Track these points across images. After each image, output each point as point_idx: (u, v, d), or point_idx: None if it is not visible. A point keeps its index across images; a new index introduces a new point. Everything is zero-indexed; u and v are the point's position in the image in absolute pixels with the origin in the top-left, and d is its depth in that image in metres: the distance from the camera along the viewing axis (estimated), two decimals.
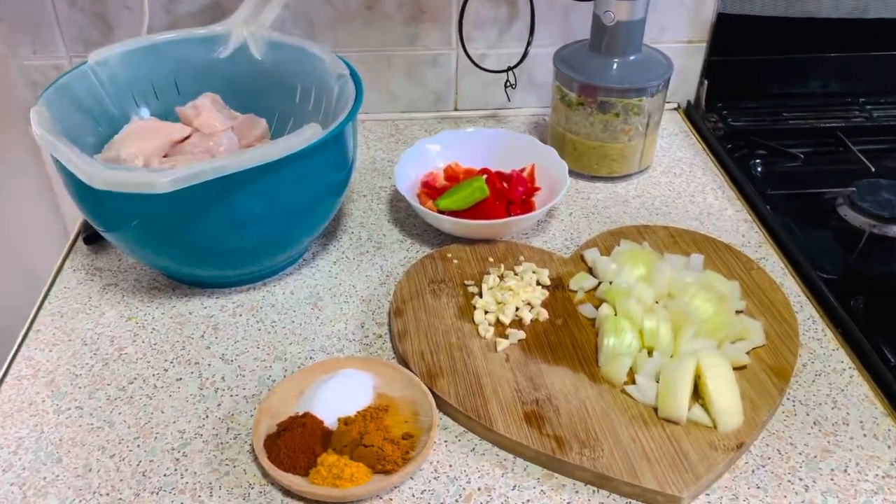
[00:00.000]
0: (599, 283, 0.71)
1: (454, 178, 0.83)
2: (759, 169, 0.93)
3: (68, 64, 0.95)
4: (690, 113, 1.04)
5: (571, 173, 0.81)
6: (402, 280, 0.72)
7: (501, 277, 0.72)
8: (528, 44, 0.94)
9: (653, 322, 0.63)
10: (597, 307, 0.68)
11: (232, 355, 0.66)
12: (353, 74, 0.73)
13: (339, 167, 0.70)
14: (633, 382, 0.61)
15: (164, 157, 0.74)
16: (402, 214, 0.84)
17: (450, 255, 0.75)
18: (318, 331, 0.69)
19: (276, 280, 0.75)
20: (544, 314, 0.68)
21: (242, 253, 0.68)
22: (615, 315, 0.65)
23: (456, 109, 1.04)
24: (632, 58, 0.85)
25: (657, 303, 0.67)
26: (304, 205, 0.68)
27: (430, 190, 0.82)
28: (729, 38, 1.00)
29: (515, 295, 0.69)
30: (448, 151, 0.86)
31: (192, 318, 0.70)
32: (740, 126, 1.01)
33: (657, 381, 0.60)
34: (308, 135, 0.62)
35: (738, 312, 0.67)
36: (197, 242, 0.65)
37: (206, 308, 0.71)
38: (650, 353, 0.62)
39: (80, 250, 0.78)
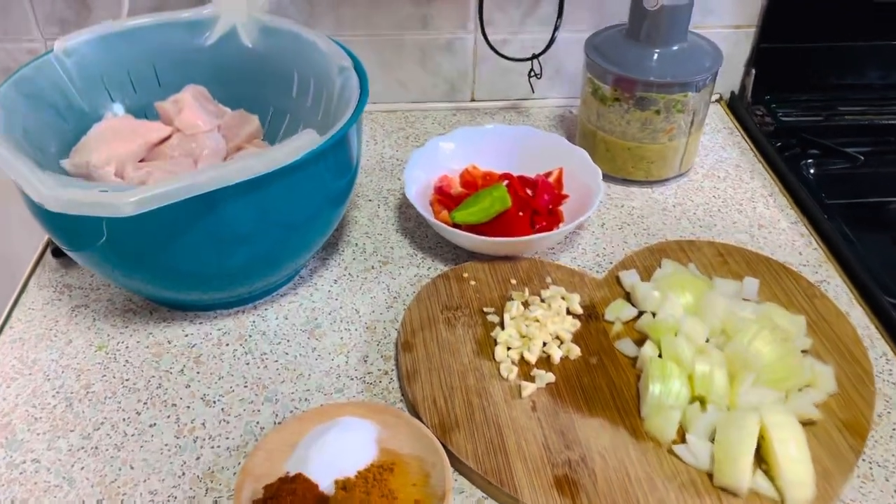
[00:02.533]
0: (640, 312, 0.61)
1: (471, 183, 0.73)
2: (812, 171, 0.83)
3: (44, 48, 0.86)
4: (735, 105, 0.93)
5: (603, 176, 0.71)
6: (412, 305, 0.63)
7: (526, 304, 0.62)
8: (556, 28, 0.83)
9: (705, 366, 0.54)
10: (637, 343, 0.59)
11: (215, 395, 0.57)
12: (357, 66, 0.63)
13: (340, 174, 0.61)
14: (683, 441, 0.52)
15: (141, 161, 0.65)
16: (412, 223, 0.75)
17: (466, 276, 0.66)
18: (314, 365, 0.60)
19: (268, 302, 0.66)
20: (576, 350, 0.58)
21: (228, 275, 0.59)
22: (660, 356, 0.56)
23: (473, 100, 0.94)
24: (675, 47, 0.75)
25: (708, 341, 0.57)
26: (299, 219, 0.59)
27: (445, 198, 0.72)
28: (781, 23, 0.89)
29: (542, 327, 0.59)
30: (464, 151, 0.76)
31: (172, 347, 0.61)
32: (790, 121, 0.90)
33: (712, 441, 0.51)
34: (301, 143, 0.52)
35: (802, 352, 0.58)
36: (174, 264, 0.56)
37: (187, 336, 0.62)
38: (702, 405, 0.53)
39: (49, 264, 0.69)
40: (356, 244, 0.72)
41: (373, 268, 0.70)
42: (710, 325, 0.57)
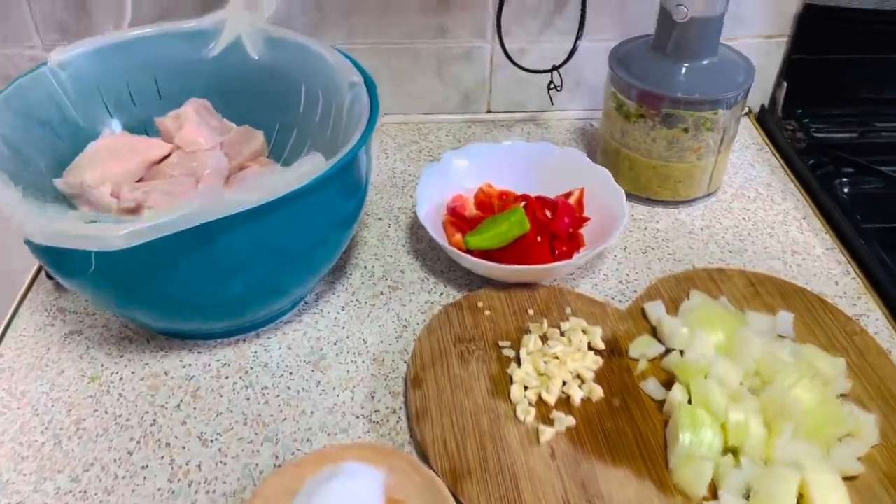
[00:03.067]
0: (667, 349, 0.57)
1: (486, 204, 0.70)
2: (846, 190, 0.78)
3: (44, 53, 0.82)
4: (764, 119, 0.89)
5: (626, 196, 0.67)
6: (423, 336, 0.59)
7: (544, 338, 0.58)
8: (578, 38, 0.79)
9: (740, 415, 0.49)
10: (664, 383, 0.55)
11: (212, 434, 0.54)
12: (368, 81, 0.59)
13: (348, 197, 0.57)
14: (714, 497, 0.48)
15: (140, 180, 0.61)
16: (424, 245, 0.71)
17: (480, 304, 0.62)
18: (318, 402, 0.56)
19: (271, 330, 0.62)
20: (598, 391, 0.54)
21: (227, 305, 0.56)
22: (689, 401, 0.52)
23: (489, 111, 0.90)
24: (705, 61, 0.70)
25: (742, 384, 0.53)
26: (303, 246, 0.55)
27: (459, 220, 0.68)
28: (815, 33, 0.84)
29: (562, 364, 0.56)
30: (479, 168, 0.72)
31: (168, 380, 0.58)
32: (823, 137, 0.85)
33: (746, 499, 0.47)
34: (306, 170, 0.49)
35: (842, 395, 0.54)
36: (168, 294, 0.52)
37: (185, 367, 0.59)
38: (735, 457, 0.49)
39: (43, 286, 0.66)
40: (365, 267, 0.69)
41: (382, 293, 0.66)
42: (744, 366, 0.53)
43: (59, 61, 0.61)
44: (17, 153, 0.56)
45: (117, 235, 0.44)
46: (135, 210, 0.58)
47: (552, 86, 0.82)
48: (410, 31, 0.83)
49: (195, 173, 0.61)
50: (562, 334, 0.59)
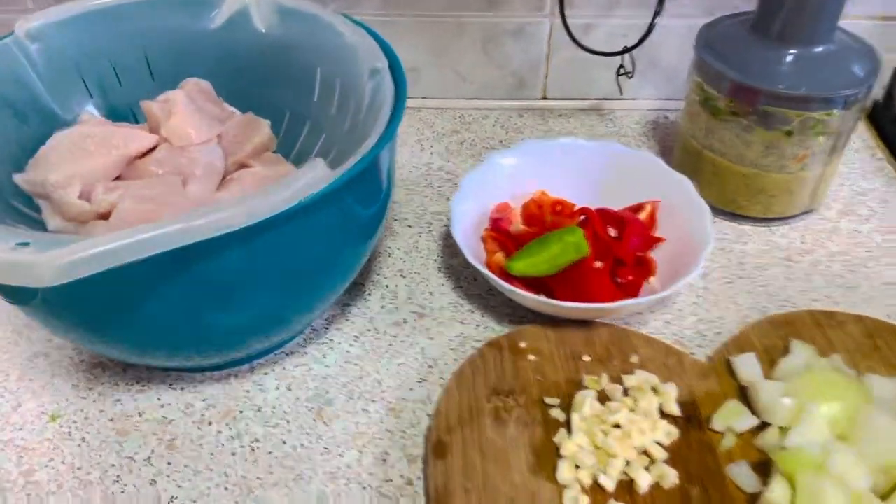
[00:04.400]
0: (763, 423, 0.45)
1: (537, 218, 0.57)
2: None
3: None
4: (879, 118, 0.74)
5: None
6: (451, 386, 0.48)
7: (603, 398, 0.46)
8: (656, 13, 0.65)
9: None
10: (757, 467, 0.42)
11: (185, 499, 0.44)
12: (395, 67, 0.48)
13: (363, 208, 0.46)
14: None
15: (117, 178, 0.51)
16: (459, 261, 0.59)
17: (524, 346, 0.50)
18: (318, 463, 0.46)
19: (269, 363, 0.52)
20: (671, 476, 0.42)
21: (210, 340, 0.45)
22: (794, 503, 0.39)
23: (544, 98, 0.77)
24: (819, 48, 0.56)
25: (864, 483, 0.40)
26: (308, 266, 0.44)
27: (501, 235, 0.56)
28: None
29: (625, 437, 0.44)
30: (530, 170, 0.60)
31: (141, 423, 0.48)
32: None
33: None
34: (305, 182, 0.37)
35: None
36: (135, 329, 0.42)
37: (162, 407, 0.49)
38: None
39: None
40: (386, 286, 0.57)
41: (405, 321, 0.55)
42: (871, 459, 0.40)
43: (28, 30, 0.51)
44: None
45: (50, 267, 0.33)
46: (108, 216, 0.48)
47: (622, 71, 0.69)
48: (454, 2, 0.70)
49: (183, 171, 0.50)
50: (625, 392, 0.47)
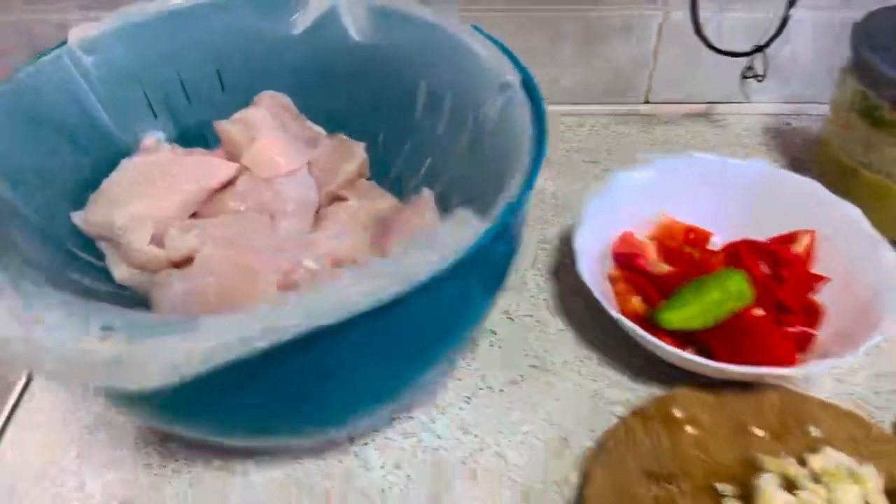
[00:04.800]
0: None
1: (676, 253, 0.49)
2: None
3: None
4: None
5: None
6: (595, 467, 0.40)
7: (788, 483, 0.38)
8: (791, 4, 0.56)
9: None
10: None
11: None
12: (528, 81, 0.39)
13: (508, 246, 0.37)
14: None
15: (193, 215, 0.43)
16: (576, 302, 0.51)
17: (679, 415, 0.42)
18: None
19: (370, 432, 0.44)
20: None
21: (327, 416, 0.37)
22: None
23: (647, 102, 0.68)
24: None
25: None
26: (444, 327, 0.36)
27: (637, 276, 0.48)
28: None
29: None
30: (655, 193, 0.52)
31: None
32: None
33: None
34: (453, 242, 0.29)
35: None
36: (241, 413, 0.34)
37: (248, 488, 0.41)
38: None
39: None
40: (493, 332, 0.49)
41: (522, 378, 0.46)
42: None
43: (83, 41, 0.43)
44: (15, 176, 0.38)
45: (153, 371, 0.25)
46: (183, 263, 0.40)
47: (750, 73, 0.60)
48: None
49: (270, 208, 0.42)
50: (814, 479, 0.38)
